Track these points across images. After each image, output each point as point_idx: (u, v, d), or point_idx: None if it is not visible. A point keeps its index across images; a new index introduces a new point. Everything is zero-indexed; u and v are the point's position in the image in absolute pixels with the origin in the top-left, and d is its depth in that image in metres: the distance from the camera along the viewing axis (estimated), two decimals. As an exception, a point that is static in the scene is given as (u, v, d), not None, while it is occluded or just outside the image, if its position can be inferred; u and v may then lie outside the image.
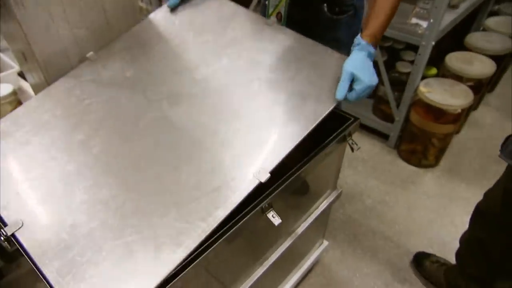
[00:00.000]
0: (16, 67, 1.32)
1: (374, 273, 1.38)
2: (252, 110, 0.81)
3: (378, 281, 1.35)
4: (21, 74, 1.34)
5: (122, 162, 0.75)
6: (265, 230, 0.85)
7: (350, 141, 0.91)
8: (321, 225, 1.24)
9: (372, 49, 0.82)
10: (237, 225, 0.69)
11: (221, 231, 0.67)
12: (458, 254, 1.20)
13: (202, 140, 0.77)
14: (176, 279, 0.60)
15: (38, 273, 0.61)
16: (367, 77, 0.78)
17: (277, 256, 0.95)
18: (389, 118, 1.86)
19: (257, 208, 0.72)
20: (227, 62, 0.91)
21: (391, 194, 1.67)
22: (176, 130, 0.79)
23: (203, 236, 0.63)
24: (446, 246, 1.45)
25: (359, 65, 0.79)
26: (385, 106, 1.87)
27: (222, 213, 0.65)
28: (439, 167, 1.79)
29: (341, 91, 0.78)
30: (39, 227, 0.67)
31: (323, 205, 1.08)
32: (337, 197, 1.12)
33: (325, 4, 1.03)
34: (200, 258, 0.63)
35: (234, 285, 0.88)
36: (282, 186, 0.75)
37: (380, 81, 1.80)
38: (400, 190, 1.68)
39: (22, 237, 0.66)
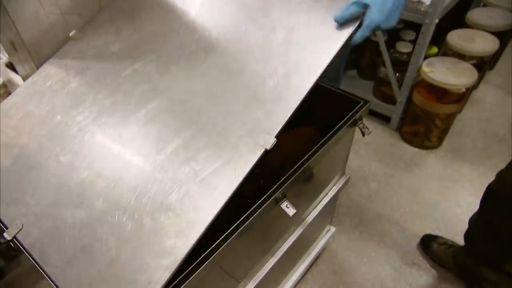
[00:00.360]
0: (4, 58, 1.26)
1: (381, 258, 1.37)
2: (248, 64, 0.73)
3: (386, 265, 1.34)
4: (9, 66, 1.28)
5: (115, 147, 0.70)
6: (276, 220, 0.82)
7: (361, 125, 0.88)
8: (329, 211, 1.22)
9: None
10: (252, 217, 0.65)
11: (235, 224, 0.64)
12: (467, 235, 1.19)
13: (197, 108, 0.70)
14: (191, 277, 0.57)
15: (44, 273, 0.58)
16: (379, 12, 0.65)
17: (287, 246, 0.93)
18: (391, 100, 1.83)
19: (270, 199, 0.68)
20: (218, 14, 0.83)
21: (395, 177, 1.65)
22: (168, 102, 0.73)
23: (209, 220, 0.57)
24: (453, 227, 1.44)
25: None
26: (386, 87, 1.84)
27: (228, 191, 0.59)
28: (442, 148, 1.77)
29: (339, 13, 0.68)
30: (39, 226, 0.63)
31: (332, 191, 1.05)
32: (346, 182, 1.09)
33: None
34: (216, 253, 0.60)
35: (247, 277, 0.85)
36: (296, 174, 0.72)
37: (381, 62, 1.77)
38: (404, 173, 1.67)
39: (22, 239, 0.62)
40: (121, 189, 0.63)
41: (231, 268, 0.78)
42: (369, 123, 1.90)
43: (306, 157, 0.75)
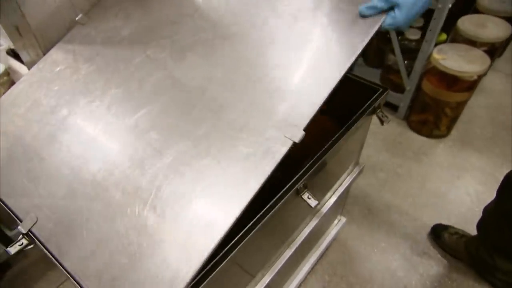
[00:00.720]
0: (4, 45, 1.21)
1: (391, 248, 1.36)
2: (270, 54, 0.70)
3: (396, 255, 1.33)
4: (10, 53, 1.23)
5: (131, 137, 0.67)
6: (293, 212, 0.80)
7: (380, 114, 0.85)
8: (341, 201, 1.20)
9: None
10: (274, 209, 0.63)
11: (258, 215, 0.62)
12: (480, 224, 1.18)
13: (218, 98, 0.67)
14: (215, 270, 0.55)
15: (62, 268, 0.55)
16: (406, 15, 0.63)
17: (302, 238, 0.91)
18: (399, 88, 1.80)
19: (292, 190, 0.66)
20: (236, 0, 0.79)
21: (403, 166, 1.63)
22: (185, 90, 0.69)
23: (236, 214, 0.54)
24: (463, 216, 1.43)
25: None
26: (394, 75, 1.81)
27: (255, 185, 0.56)
28: (451, 137, 1.75)
29: (365, 6, 0.65)
30: (54, 219, 0.60)
31: (346, 181, 1.03)
32: (360, 172, 1.07)
33: None
34: (240, 245, 0.58)
35: (262, 271, 0.84)
36: (317, 164, 0.69)
37: (390, 50, 1.73)
38: (413, 162, 1.65)
39: (38, 232, 0.59)
40: (139, 181, 0.60)
41: (247, 263, 0.76)
42: (376, 112, 1.88)
43: (326, 146, 0.73)
